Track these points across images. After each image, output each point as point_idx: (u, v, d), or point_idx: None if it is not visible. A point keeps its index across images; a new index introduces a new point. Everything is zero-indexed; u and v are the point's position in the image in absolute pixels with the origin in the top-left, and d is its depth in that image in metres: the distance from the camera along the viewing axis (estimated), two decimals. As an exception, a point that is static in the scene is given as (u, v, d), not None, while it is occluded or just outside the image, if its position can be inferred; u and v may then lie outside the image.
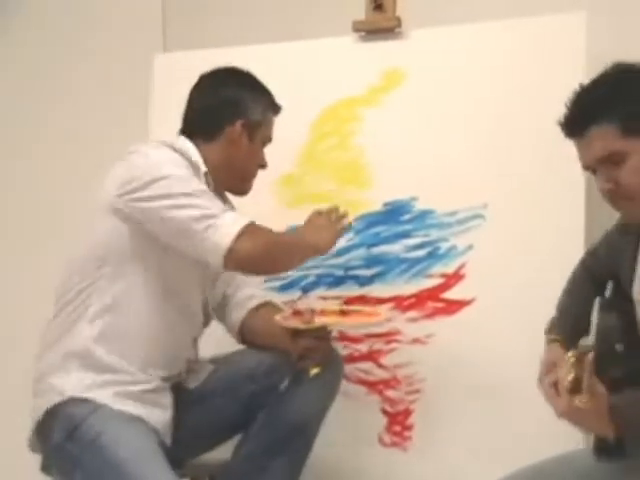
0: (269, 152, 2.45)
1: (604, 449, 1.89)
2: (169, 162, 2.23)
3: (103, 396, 2.19)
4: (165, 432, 2.26)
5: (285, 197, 2.73)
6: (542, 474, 2.00)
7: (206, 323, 2.45)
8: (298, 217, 2.60)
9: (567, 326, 2.10)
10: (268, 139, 2.45)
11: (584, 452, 2.04)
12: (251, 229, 2.19)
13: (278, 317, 2.35)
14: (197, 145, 2.35)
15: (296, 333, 2.32)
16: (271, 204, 2.58)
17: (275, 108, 2.46)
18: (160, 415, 2.25)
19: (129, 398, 2.21)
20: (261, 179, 2.47)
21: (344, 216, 2.38)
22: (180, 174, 2.22)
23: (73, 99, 3.32)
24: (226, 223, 2.16)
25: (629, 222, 1.98)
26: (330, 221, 2.37)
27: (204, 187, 2.25)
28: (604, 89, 1.89)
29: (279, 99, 2.48)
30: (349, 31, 2.76)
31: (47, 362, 2.25)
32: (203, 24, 3.17)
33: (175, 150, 2.28)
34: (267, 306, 2.48)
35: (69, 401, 2.19)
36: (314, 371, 2.31)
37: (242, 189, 2.42)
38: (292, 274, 2.68)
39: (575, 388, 1.66)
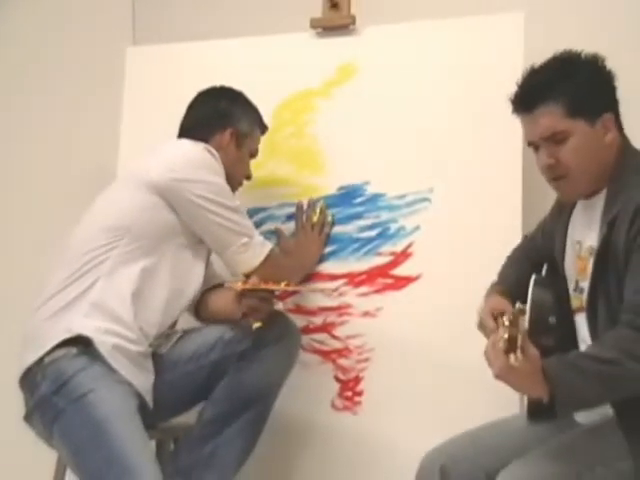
0: None
1: (537, 411, 2.01)
2: (215, 169, 2.46)
3: (103, 343, 2.27)
4: (148, 396, 2.35)
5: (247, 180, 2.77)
6: (478, 437, 2.12)
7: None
8: (258, 197, 2.80)
9: (506, 286, 2.21)
10: (255, 152, 2.66)
11: (517, 417, 2.20)
12: (273, 255, 2.52)
13: (228, 283, 2.52)
14: None
15: (242, 295, 2.45)
16: None
17: (262, 127, 2.67)
18: (145, 379, 2.35)
19: (125, 356, 2.30)
20: None
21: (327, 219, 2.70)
22: (225, 185, 2.47)
23: (44, 92, 3.31)
24: (258, 244, 2.48)
25: (564, 200, 2.09)
26: (317, 236, 2.71)
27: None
28: (554, 71, 1.99)
29: (242, 89, 2.59)
30: (307, 28, 2.85)
31: (55, 305, 2.32)
32: (170, 18, 3.20)
33: (214, 157, 2.47)
34: (222, 285, 2.61)
35: (66, 354, 2.26)
36: (256, 325, 2.44)
37: None
38: None
39: (509, 348, 1.73)
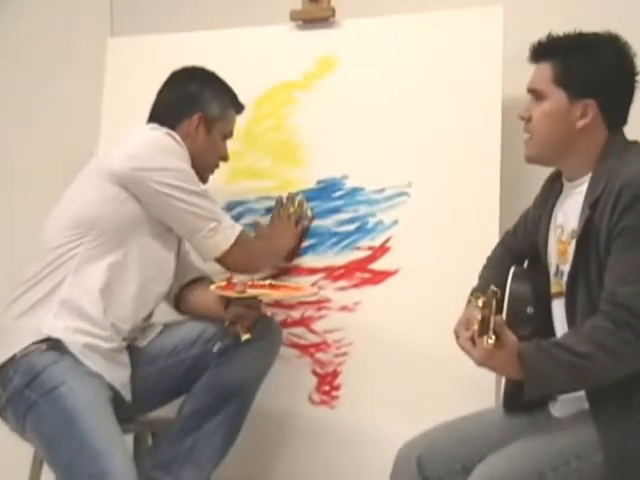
0: None
1: (512, 401, 2.07)
2: (178, 155, 2.42)
3: (74, 342, 2.27)
4: (125, 389, 2.35)
5: (225, 173, 2.77)
6: (455, 429, 2.13)
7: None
8: (237, 191, 2.79)
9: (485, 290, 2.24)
10: (230, 134, 2.60)
11: (494, 410, 2.22)
12: (244, 238, 2.48)
13: (213, 287, 2.47)
14: None
15: (229, 301, 2.44)
16: (211, 179, 2.62)
17: (237, 107, 2.60)
18: (120, 374, 2.34)
19: (96, 353, 2.29)
20: None
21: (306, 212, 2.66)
22: (189, 170, 2.42)
23: (22, 83, 3.32)
24: (228, 227, 2.44)
25: (525, 156, 2.12)
26: (291, 225, 2.68)
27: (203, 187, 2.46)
28: (569, 40, 2.05)
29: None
30: (287, 20, 2.84)
31: (25, 304, 2.33)
32: (149, 10, 3.21)
33: (176, 142, 2.42)
34: (203, 279, 2.59)
35: (36, 349, 2.26)
36: (245, 337, 2.42)
37: (201, 179, 2.50)
38: None
39: (482, 330, 1.77)
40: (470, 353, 1.90)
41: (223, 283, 2.51)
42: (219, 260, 2.47)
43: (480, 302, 1.77)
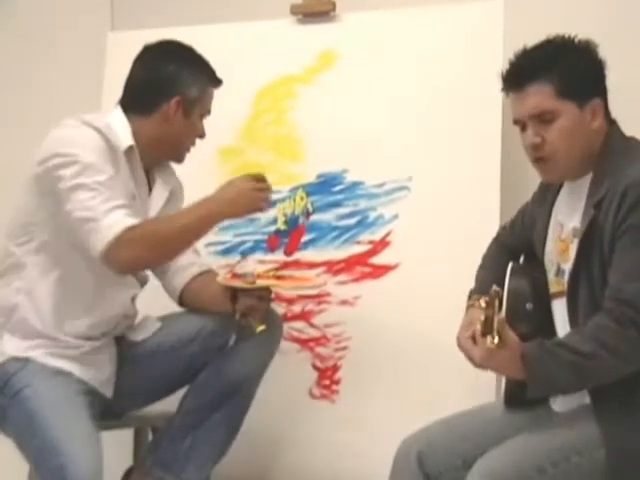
0: (211, 126, 2.49)
1: (514, 398, 2.06)
2: (81, 145, 2.25)
3: (38, 355, 2.28)
4: (104, 387, 2.35)
5: (226, 167, 2.80)
6: (455, 424, 2.13)
7: (143, 282, 2.49)
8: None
9: (486, 290, 2.18)
10: (207, 112, 2.46)
11: (495, 405, 2.21)
12: (128, 236, 2.19)
13: (220, 278, 2.43)
14: (130, 118, 2.38)
15: (237, 293, 2.39)
16: (213, 173, 2.65)
17: (215, 82, 2.47)
18: (95, 372, 2.33)
19: (62, 358, 2.30)
20: (203, 150, 2.55)
21: (268, 190, 2.40)
22: (87, 162, 2.22)
23: (23, 78, 3.31)
24: (103, 227, 2.19)
25: (545, 181, 2.11)
26: (253, 190, 2.35)
27: (107, 175, 2.23)
28: (547, 51, 2.00)
29: (222, 76, 2.52)
30: (287, 14, 2.84)
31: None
32: (149, 4, 3.19)
33: (95, 128, 2.28)
34: (207, 273, 2.54)
35: (8, 361, 2.28)
36: (260, 328, 2.37)
37: (177, 159, 2.46)
38: (231, 240, 2.79)
39: (485, 330, 1.76)
40: (471, 353, 1.90)
41: (228, 275, 2.47)
42: (111, 267, 2.26)
43: (483, 302, 1.76)
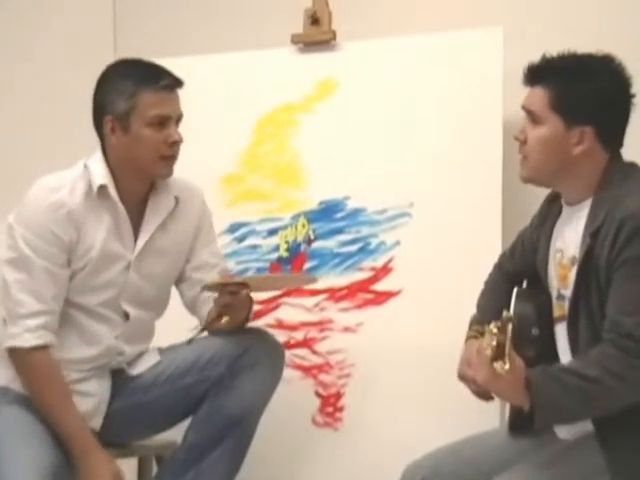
0: (213, 153, 2.53)
1: (518, 425, 2.05)
2: (31, 225, 2.28)
3: (17, 385, 2.30)
4: (87, 416, 2.32)
5: (228, 195, 2.81)
6: (459, 451, 2.12)
7: (127, 317, 2.42)
8: (240, 212, 2.79)
9: (487, 319, 2.10)
10: (157, 118, 2.30)
11: (499, 431, 2.20)
12: (19, 357, 2.27)
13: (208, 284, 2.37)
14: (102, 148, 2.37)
15: (219, 293, 2.35)
16: (214, 201, 2.62)
17: (152, 81, 2.30)
18: (80, 400, 2.31)
19: None
20: (206, 178, 2.57)
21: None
22: (23, 254, 2.26)
23: (26, 105, 3.31)
24: (7, 335, 2.28)
25: (521, 177, 2.10)
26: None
27: (39, 268, 2.26)
28: (564, 64, 2.02)
29: (224, 104, 2.57)
30: (288, 43, 2.86)
31: None
32: (151, 34, 3.20)
33: (59, 195, 2.29)
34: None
35: None
36: (225, 319, 2.32)
37: (156, 174, 2.35)
38: (234, 267, 2.78)
39: (496, 355, 1.74)
40: (475, 371, 1.85)
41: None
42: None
43: (494, 327, 1.75)
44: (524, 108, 2.05)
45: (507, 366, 1.73)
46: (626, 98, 2.02)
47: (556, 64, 2.02)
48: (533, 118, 2.02)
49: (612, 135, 2.02)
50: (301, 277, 2.67)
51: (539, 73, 2.03)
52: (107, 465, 2.26)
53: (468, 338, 2.17)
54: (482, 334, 2.08)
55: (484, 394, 2.08)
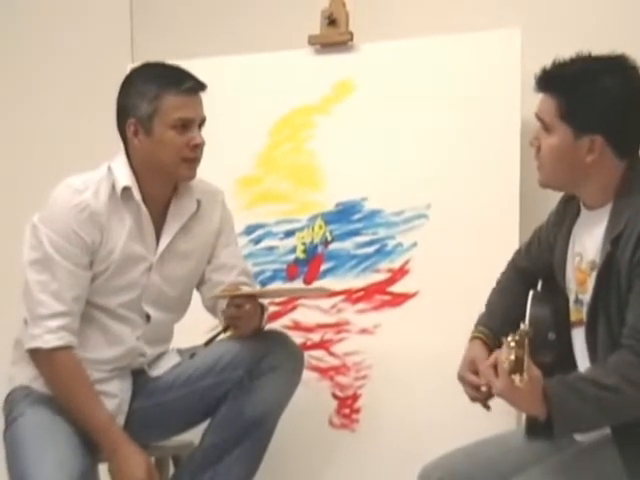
0: (230, 155, 2.52)
1: (535, 429, 2.01)
2: (55, 226, 2.29)
3: (40, 384, 2.33)
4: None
5: (244, 197, 2.82)
6: (475, 453, 2.12)
7: (148, 319, 2.43)
8: (257, 214, 2.79)
9: (494, 321, 2.19)
10: (183, 120, 2.31)
11: (515, 433, 2.19)
12: (40, 357, 2.28)
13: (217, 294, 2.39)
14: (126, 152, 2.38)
15: (226, 304, 2.36)
16: (231, 203, 2.60)
17: (175, 84, 2.32)
18: (103, 402, 2.32)
19: None
20: (222, 179, 2.57)
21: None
22: (47, 253, 2.28)
23: (43, 110, 3.34)
24: (28, 336, 2.29)
25: (539, 182, 2.08)
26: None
27: (63, 270, 2.27)
28: (573, 71, 1.99)
29: (240, 106, 2.56)
30: (305, 44, 2.86)
31: (13, 353, 2.40)
32: (168, 36, 3.22)
33: (84, 196, 2.30)
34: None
35: (17, 388, 2.35)
36: (230, 332, 2.35)
37: (179, 176, 2.36)
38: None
39: (515, 369, 1.73)
40: (491, 382, 1.86)
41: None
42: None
43: (512, 342, 1.74)
44: (537, 116, 2.03)
45: (525, 380, 1.72)
46: (637, 104, 1.97)
47: (564, 72, 1.99)
48: (544, 126, 2.01)
49: (625, 142, 1.98)
50: (313, 290, 2.67)
51: (548, 81, 2.00)
52: (139, 456, 2.28)
53: (472, 338, 2.17)
54: (487, 337, 2.16)
55: (481, 400, 2.09)
